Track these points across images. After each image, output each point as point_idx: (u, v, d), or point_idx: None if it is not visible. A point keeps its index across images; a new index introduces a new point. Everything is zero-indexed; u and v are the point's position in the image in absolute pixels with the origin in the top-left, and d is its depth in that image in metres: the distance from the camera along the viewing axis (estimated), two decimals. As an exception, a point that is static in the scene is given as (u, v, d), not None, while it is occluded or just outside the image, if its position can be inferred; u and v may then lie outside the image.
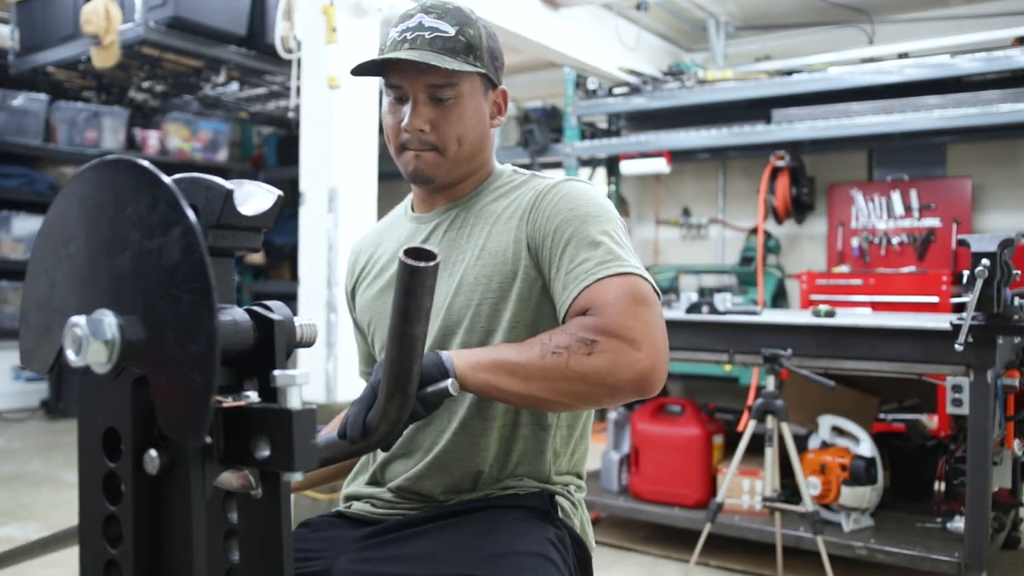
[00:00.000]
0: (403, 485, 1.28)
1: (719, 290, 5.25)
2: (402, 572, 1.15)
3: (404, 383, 0.95)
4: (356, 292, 1.42)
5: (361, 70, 1.24)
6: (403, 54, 1.19)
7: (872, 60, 4.84)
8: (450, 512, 1.23)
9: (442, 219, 1.32)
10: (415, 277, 0.89)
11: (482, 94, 1.27)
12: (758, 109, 4.94)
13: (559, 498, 1.27)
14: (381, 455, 1.32)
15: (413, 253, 0.90)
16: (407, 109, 1.23)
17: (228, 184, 0.71)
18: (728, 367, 4.34)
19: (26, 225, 5.99)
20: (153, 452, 0.64)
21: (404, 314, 0.91)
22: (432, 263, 0.88)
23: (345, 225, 3.65)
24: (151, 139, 6.48)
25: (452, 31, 1.22)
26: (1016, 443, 2.69)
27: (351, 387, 3.42)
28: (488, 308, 1.22)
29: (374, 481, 1.33)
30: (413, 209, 1.39)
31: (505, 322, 1.21)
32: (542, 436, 1.25)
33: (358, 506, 1.33)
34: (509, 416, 1.24)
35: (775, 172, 5.18)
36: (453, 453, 1.24)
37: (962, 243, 2.49)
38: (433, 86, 1.21)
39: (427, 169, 1.25)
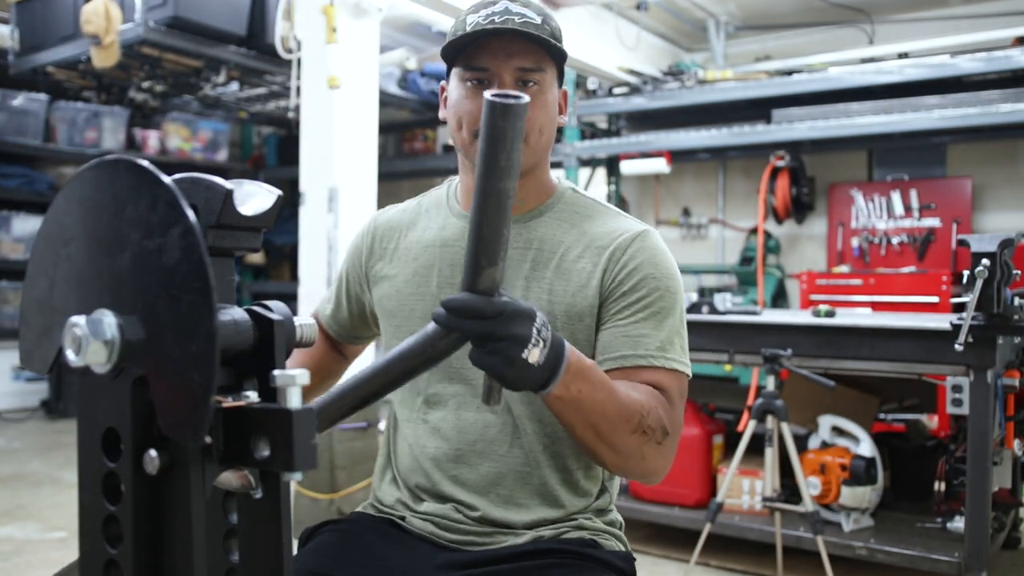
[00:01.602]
0: (473, 508, 1.23)
1: (719, 290, 5.25)
2: None
3: (496, 250, 0.86)
4: (374, 272, 1.36)
5: (452, 48, 1.20)
6: (509, 26, 1.16)
7: (872, 60, 4.85)
8: (531, 551, 1.19)
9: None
10: (507, 117, 0.82)
11: (556, 87, 1.26)
12: (758, 109, 4.94)
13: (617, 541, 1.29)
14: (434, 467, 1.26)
15: (502, 96, 0.84)
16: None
17: (228, 184, 0.71)
18: (728, 367, 4.34)
19: (26, 225, 5.99)
20: (153, 452, 0.64)
21: (493, 165, 0.83)
22: (523, 101, 0.82)
23: (345, 225, 3.65)
24: (151, 139, 6.48)
25: (539, 19, 1.20)
26: (1016, 443, 2.69)
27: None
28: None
29: (426, 490, 1.27)
30: (459, 203, 1.33)
31: None
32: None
33: (418, 524, 1.26)
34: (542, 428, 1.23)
35: (775, 172, 5.18)
36: (513, 467, 1.23)
37: (962, 243, 2.49)
38: (522, 69, 1.19)
39: None
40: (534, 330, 0.93)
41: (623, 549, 1.28)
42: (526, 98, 0.84)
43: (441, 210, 1.35)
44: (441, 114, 1.30)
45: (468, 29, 1.18)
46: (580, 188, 1.34)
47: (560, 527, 1.23)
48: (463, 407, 1.25)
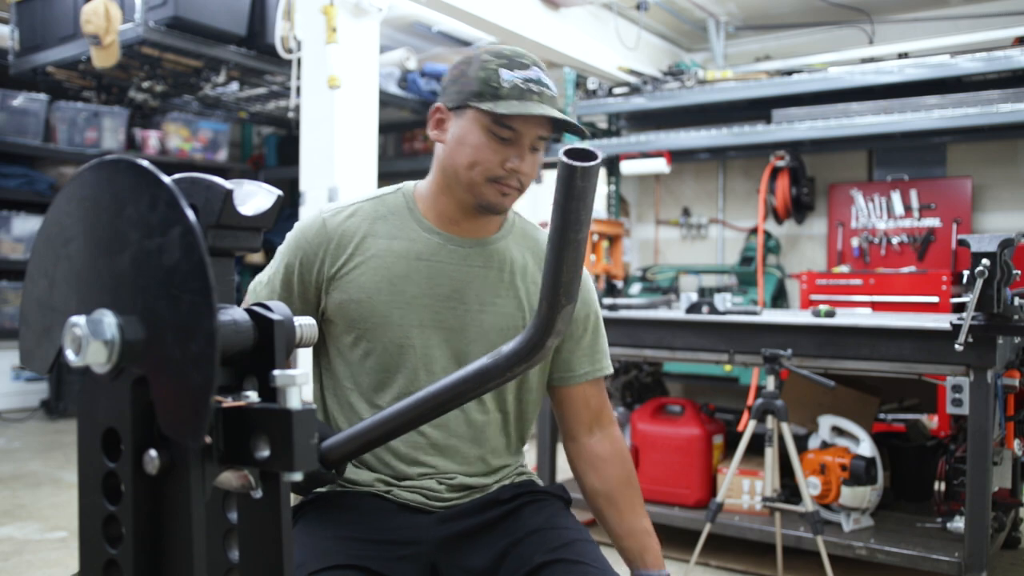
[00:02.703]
0: (452, 476, 1.42)
1: (719, 290, 5.25)
2: (506, 555, 1.38)
3: (573, 290, 0.96)
4: (332, 275, 1.40)
5: (482, 97, 1.32)
6: (551, 112, 1.32)
7: (872, 60, 4.84)
8: (498, 500, 1.44)
9: (474, 252, 1.43)
10: (587, 178, 0.89)
11: None
12: (758, 109, 4.94)
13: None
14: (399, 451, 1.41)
15: (574, 154, 0.90)
16: (513, 152, 1.35)
17: (228, 184, 0.71)
18: (728, 367, 4.35)
19: (26, 225, 5.99)
20: (153, 452, 0.64)
21: (575, 220, 0.91)
22: (598, 161, 0.90)
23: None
24: (151, 139, 6.47)
25: (555, 90, 1.37)
26: (1016, 443, 2.69)
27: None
28: None
29: (406, 474, 1.42)
30: (427, 219, 1.43)
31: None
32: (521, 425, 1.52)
33: (407, 495, 1.41)
34: (499, 407, 1.47)
35: (775, 172, 5.18)
36: (463, 443, 1.44)
37: (962, 243, 2.49)
38: (540, 138, 1.36)
39: (508, 204, 1.39)
40: None
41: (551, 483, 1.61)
42: (599, 156, 0.92)
43: (405, 222, 1.43)
44: (433, 134, 1.40)
45: (505, 86, 1.31)
46: (517, 211, 1.54)
47: (511, 476, 1.51)
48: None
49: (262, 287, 1.47)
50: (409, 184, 1.50)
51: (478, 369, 1.04)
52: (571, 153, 0.89)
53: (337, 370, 1.43)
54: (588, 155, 0.90)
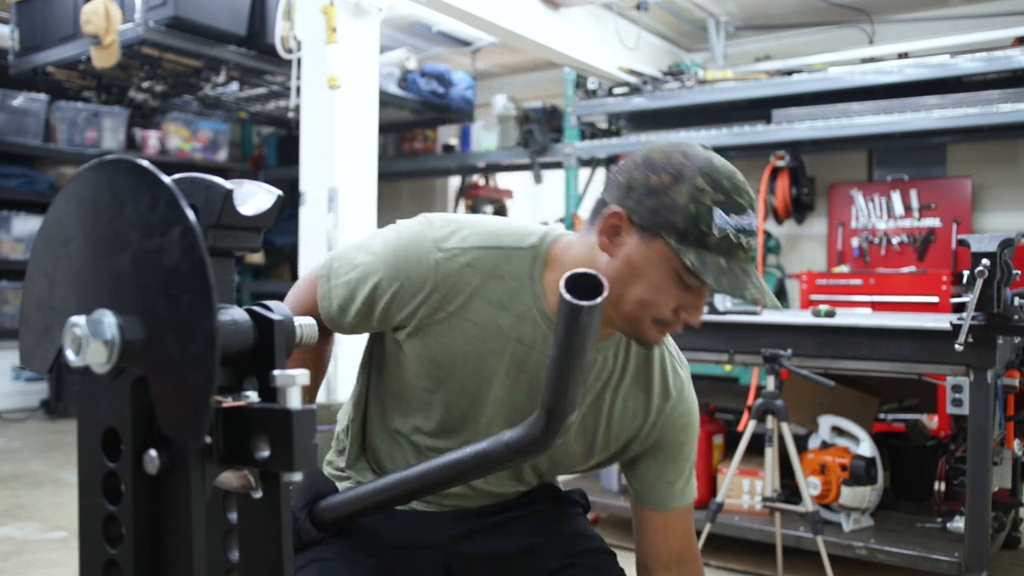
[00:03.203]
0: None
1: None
2: (520, 560, 1.36)
3: (576, 402, 0.99)
4: (426, 327, 1.25)
5: (685, 235, 1.12)
6: (756, 292, 1.14)
7: (872, 60, 4.84)
8: (514, 503, 1.40)
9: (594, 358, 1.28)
10: (592, 315, 0.90)
11: None
12: (758, 109, 4.94)
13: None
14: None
15: (575, 284, 0.90)
16: (691, 303, 1.17)
17: (228, 184, 0.71)
18: (728, 367, 4.34)
19: (26, 225, 5.99)
20: (153, 452, 0.64)
21: (579, 352, 0.93)
22: (601, 299, 0.88)
23: (345, 225, 3.65)
24: (151, 139, 6.47)
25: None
26: (1016, 443, 2.69)
27: (351, 387, 3.43)
28: (565, 458, 1.36)
29: None
30: (545, 299, 1.25)
31: (574, 467, 1.40)
32: None
33: (419, 506, 1.39)
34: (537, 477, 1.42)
35: (775, 172, 5.18)
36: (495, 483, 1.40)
37: (962, 243, 2.49)
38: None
39: (660, 342, 1.26)
40: None
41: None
42: (604, 293, 0.90)
43: (523, 292, 1.24)
44: (601, 241, 1.18)
45: (716, 234, 1.11)
46: None
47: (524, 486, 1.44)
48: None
49: (340, 284, 1.28)
50: (551, 238, 1.27)
51: (476, 453, 1.08)
52: (573, 282, 0.87)
53: (394, 399, 1.34)
54: (592, 283, 0.88)
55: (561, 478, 1.53)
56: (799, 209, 5.35)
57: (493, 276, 1.24)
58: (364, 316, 1.28)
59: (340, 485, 1.40)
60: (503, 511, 1.39)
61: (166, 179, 0.63)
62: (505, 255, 1.24)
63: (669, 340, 1.38)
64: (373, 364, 1.38)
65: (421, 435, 1.33)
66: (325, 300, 1.31)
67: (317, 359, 1.41)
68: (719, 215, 1.10)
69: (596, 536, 1.43)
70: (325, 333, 1.36)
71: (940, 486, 2.85)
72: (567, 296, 0.87)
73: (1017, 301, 2.50)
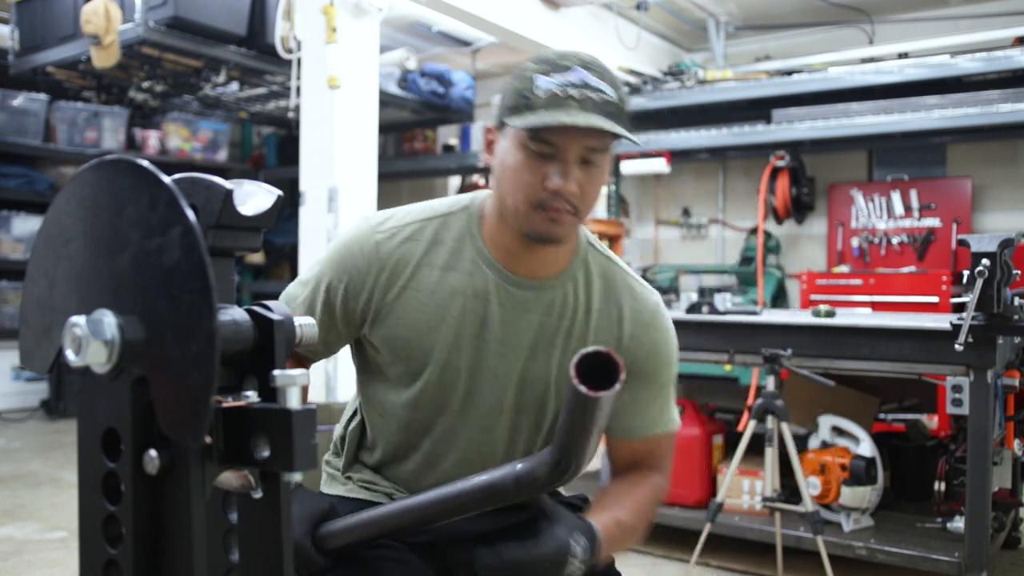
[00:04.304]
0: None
1: (719, 290, 5.25)
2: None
3: (588, 458, 0.99)
4: (380, 306, 1.27)
5: (516, 110, 1.16)
6: (595, 122, 1.12)
7: (872, 60, 4.85)
8: (514, 506, 1.34)
9: (532, 296, 1.28)
10: (602, 404, 0.89)
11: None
12: (758, 109, 4.95)
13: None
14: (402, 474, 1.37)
15: (588, 366, 0.89)
16: (555, 169, 1.15)
17: (228, 184, 0.71)
18: (728, 367, 4.34)
19: (26, 225, 5.99)
20: (153, 452, 0.64)
21: (585, 437, 0.94)
22: (615, 389, 0.87)
23: (345, 225, 3.65)
24: (151, 139, 6.47)
25: (614, 95, 1.16)
26: (1016, 443, 2.69)
27: (351, 387, 3.43)
28: (558, 406, 1.31)
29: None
30: (488, 249, 1.28)
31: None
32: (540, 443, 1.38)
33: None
34: (511, 432, 1.35)
35: (775, 172, 5.18)
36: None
37: (962, 243, 2.49)
38: (590, 149, 1.16)
39: (561, 232, 1.20)
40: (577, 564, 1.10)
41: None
42: (621, 370, 0.88)
43: (467, 250, 1.28)
44: (484, 159, 1.28)
45: (539, 95, 1.13)
46: (595, 241, 1.36)
47: None
48: (467, 450, 1.33)
49: (299, 306, 1.32)
50: (481, 197, 1.32)
51: (486, 483, 1.07)
52: (585, 364, 0.87)
53: (382, 395, 1.34)
54: (607, 364, 0.87)
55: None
56: (799, 209, 5.35)
57: (435, 243, 1.28)
58: (329, 325, 1.31)
59: (337, 487, 1.40)
60: (502, 515, 1.34)
61: (166, 179, 0.63)
62: (442, 221, 1.30)
63: (634, 276, 1.36)
64: (360, 376, 1.41)
65: (415, 431, 1.33)
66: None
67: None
68: (540, 79, 1.14)
69: None
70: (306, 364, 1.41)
71: (940, 486, 2.85)
72: (577, 384, 0.85)
73: (1017, 301, 2.50)
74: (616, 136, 1.16)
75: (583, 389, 0.85)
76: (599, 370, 0.88)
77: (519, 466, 1.05)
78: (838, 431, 3.09)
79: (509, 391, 1.30)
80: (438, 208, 1.32)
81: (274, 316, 0.72)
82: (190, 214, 0.61)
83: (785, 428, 2.57)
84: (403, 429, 1.34)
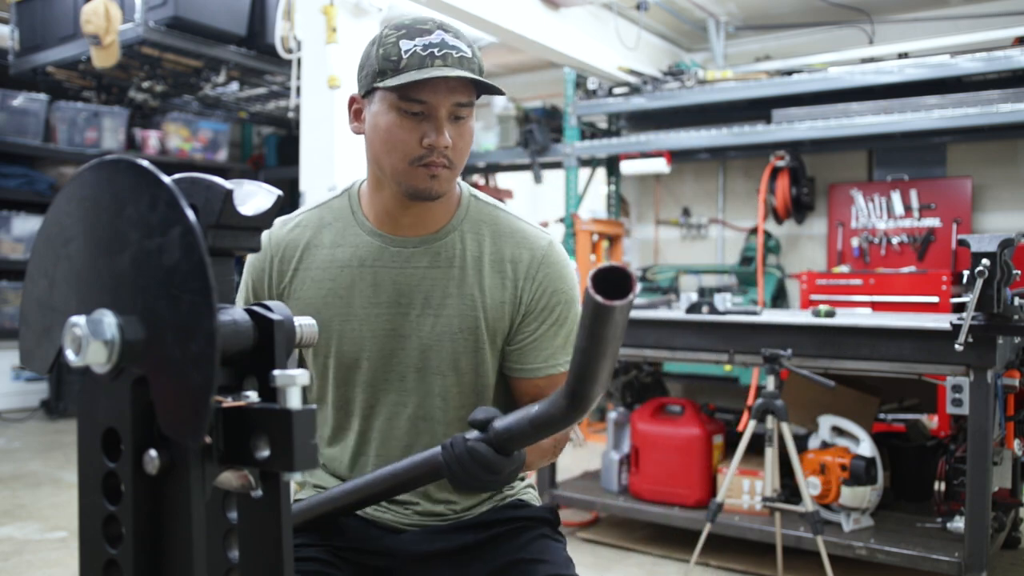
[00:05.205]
0: (410, 497, 1.36)
1: (719, 290, 5.26)
2: None
3: (593, 389, 0.96)
4: (285, 295, 1.35)
5: (383, 75, 1.21)
6: (456, 72, 1.19)
7: (872, 60, 4.84)
8: (477, 524, 1.37)
9: (419, 251, 1.32)
10: (623, 312, 0.88)
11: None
12: (758, 109, 4.94)
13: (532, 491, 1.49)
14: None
15: (604, 279, 0.88)
16: (429, 127, 1.23)
17: (228, 184, 0.71)
18: (728, 367, 4.35)
19: (26, 225, 5.99)
20: (153, 452, 0.64)
21: (603, 360, 0.92)
22: (625, 300, 0.87)
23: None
24: (151, 139, 6.48)
25: (469, 52, 1.24)
26: (1016, 443, 2.69)
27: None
28: (471, 357, 1.32)
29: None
30: (369, 220, 1.35)
31: (489, 370, 1.35)
32: None
33: (376, 514, 1.37)
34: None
35: (775, 172, 5.18)
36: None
37: (962, 243, 2.49)
38: (458, 104, 1.24)
39: (441, 187, 1.26)
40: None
41: (539, 503, 1.47)
42: (634, 284, 0.88)
43: (349, 226, 1.35)
44: (354, 128, 1.33)
45: (405, 57, 1.20)
46: (479, 193, 1.41)
47: (491, 501, 1.41)
48: (394, 417, 1.34)
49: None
50: (357, 181, 1.41)
51: (504, 428, 1.05)
52: (602, 277, 0.87)
53: (312, 383, 1.39)
54: (619, 278, 0.87)
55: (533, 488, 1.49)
56: (799, 209, 5.35)
57: (321, 226, 1.37)
58: None
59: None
60: (464, 532, 1.36)
61: (166, 179, 0.63)
62: (326, 207, 1.39)
63: (524, 220, 1.38)
64: None
65: (343, 412, 1.36)
66: None
67: None
68: (403, 43, 1.21)
69: (560, 562, 1.34)
70: None
71: (940, 486, 2.85)
72: (594, 293, 0.86)
73: (1017, 301, 2.50)
74: (479, 91, 1.26)
75: (599, 298, 0.85)
76: (612, 286, 0.89)
77: (534, 408, 1.05)
78: (838, 431, 3.09)
79: (416, 349, 1.31)
80: (322, 199, 1.42)
81: (274, 316, 0.72)
82: (190, 214, 0.61)
83: (785, 428, 2.57)
84: (336, 411, 1.37)
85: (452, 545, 1.35)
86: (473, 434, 1.08)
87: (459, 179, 1.38)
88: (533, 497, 1.48)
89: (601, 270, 0.88)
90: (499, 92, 1.26)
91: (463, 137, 1.27)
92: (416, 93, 1.21)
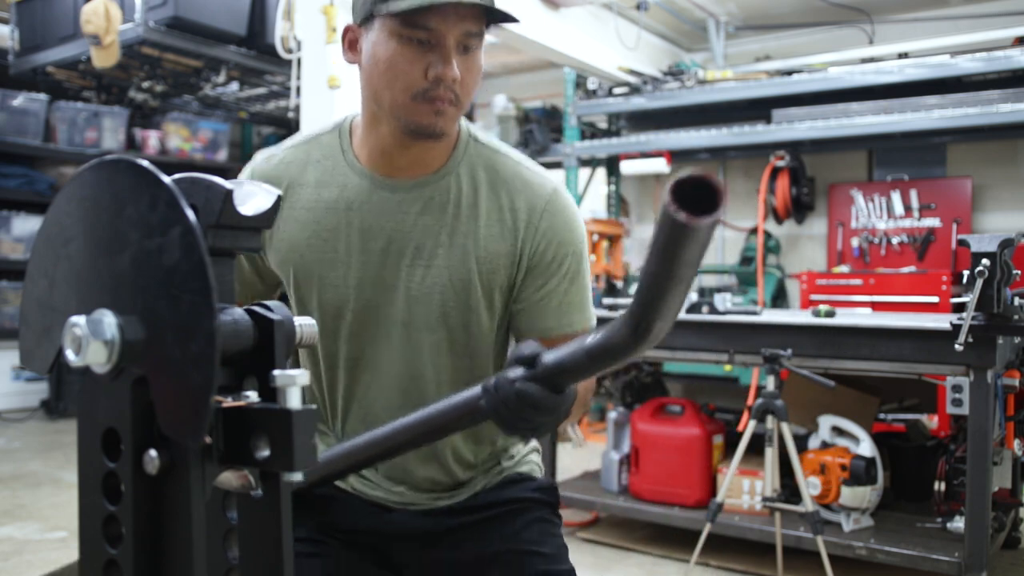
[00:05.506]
0: (395, 475, 1.31)
1: (719, 290, 5.25)
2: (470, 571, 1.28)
3: (657, 318, 0.81)
4: (268, 234, 1.26)
5: (405, 10, 1.10)
6: None
7: (872, 60, 4.84)
8: (470, 507, 1.31)
9: (411, 196, 1.23)
10: (710, 231, 0.70)
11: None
12: (758, 109, 4.94)
13: (535, 466, 1.41)
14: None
15: (684, 192, 0.67)
16: (436, 57, 1.12)
17: (228, 184, 0.71)
18: (728, 367, 4.35)
19: (26, 225, 5.99)
20: (153, 452, 0.64)
21: (664, 275, 0.76)
22: (711, 218, 0.67)
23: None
24: (151, 139, 6.48)
25: None
26: (1016, 443, 2.69)
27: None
28: (461, 313, 1.24)
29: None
30: (360, 159, 1.25)
31: (484, 329, 1.26)
32: None
33: (357, 484, 1.32)
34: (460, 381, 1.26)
35: (775, 172, 5.18)
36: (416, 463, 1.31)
37: (962, 243, 2.49)
38: (468, 33, 1.14)
39: (445, 124, 1.16)
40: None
41: (541, 476, 1.40)
42: (720, 209, 0.69)
43: (338, 164, 1.26)
44: (348, 58, 1.22)
45: None
46: (481, 134, 1.30)
47: (485, 477, 1.34)
48: (382, 376, 1.27)
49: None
50: (351, 116, 1.30)
51: (555, 360, 0.90)
52: (682, 190, 0.68)
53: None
54: (704, 190, 0.68)
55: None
56: (799, 209, 5.35)
57: (308, 163, 1.27)
58: (252, 273, 1.34)
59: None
60: (456, 515, 1.31)
61: (166, 179, 0.63)
62: (314, 143, 1.29)
63: (527, 164, 1.28)
64: None
65: (327, 364, 1.28)
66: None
67: None
68: None
69: (555, 555, 1.28)
70: None
71: (940, 486, 2.85)
72: (675, 212, 0.67)
73: (1017, 301, 2.50)
74: (490, 21, 1.15)
75: (681, 216, 0.67)
76: (694, 200, 0.69)
77: (587, 339, 0.88)
78: (838, 431, 3.09)
79: (402, 301, 1.23)
80: (310, 133, 1.32)
81: (274, 316, 0.72)
82: (190, 214, 0.61)
83: (785, 428, 2.57)
84: (327, 368, 1.29)
85: (444, 526, 1.29)
86: (517, 371, 0.91)
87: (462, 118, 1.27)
88: (535, 466, 1.40)
89: (682, 180, 0.69)
90: (513, 20, 1.16)
91: (471, 71, 1.16)
92: (422, 19, 1.10)
